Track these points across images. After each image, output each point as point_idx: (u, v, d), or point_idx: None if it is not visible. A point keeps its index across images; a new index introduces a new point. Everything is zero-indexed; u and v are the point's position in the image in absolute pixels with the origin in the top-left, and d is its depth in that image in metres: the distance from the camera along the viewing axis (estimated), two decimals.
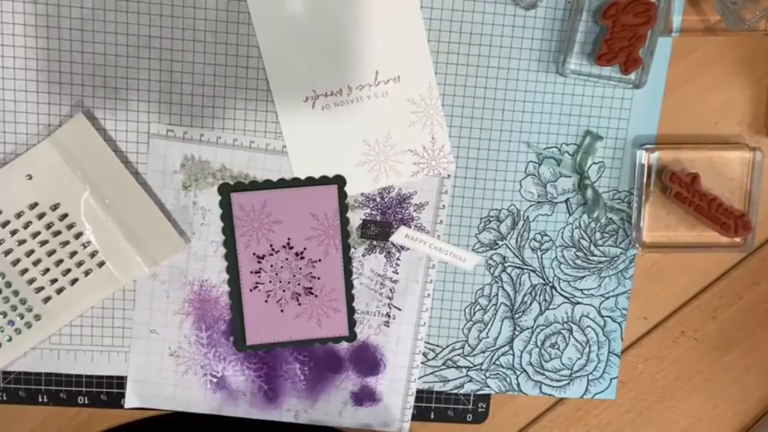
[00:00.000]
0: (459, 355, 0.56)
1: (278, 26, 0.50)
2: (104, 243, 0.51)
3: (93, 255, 0.51)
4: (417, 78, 0.52)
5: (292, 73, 0.51)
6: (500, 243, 0.55)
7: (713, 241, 0.55)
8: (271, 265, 0.53)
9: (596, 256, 0.56)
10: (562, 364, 0.57)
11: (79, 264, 0.51)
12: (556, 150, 0.54)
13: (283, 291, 0.54)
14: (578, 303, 0.56)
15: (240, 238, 0.53)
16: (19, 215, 0.50)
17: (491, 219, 0.55)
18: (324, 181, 0.53)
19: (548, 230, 0.55)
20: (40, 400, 0.54)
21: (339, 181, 0.53)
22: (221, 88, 0.51)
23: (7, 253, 0.51)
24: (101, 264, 0.51)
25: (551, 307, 0.56)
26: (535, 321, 0.56)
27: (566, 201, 0.55)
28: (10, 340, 0.52)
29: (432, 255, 0.54)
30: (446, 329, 0.56)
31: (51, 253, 0.51)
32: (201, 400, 0.55)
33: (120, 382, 0.54)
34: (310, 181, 0.53)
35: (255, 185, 0.52)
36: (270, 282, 0.53)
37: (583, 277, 0.56)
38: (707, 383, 0.60)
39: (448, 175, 0.54)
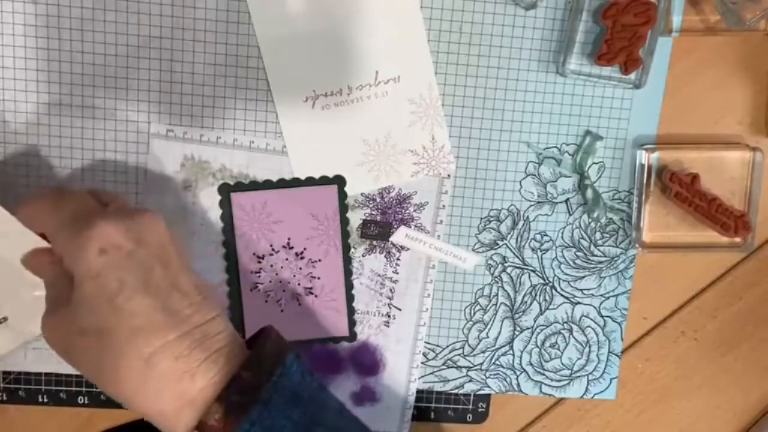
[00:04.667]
0: (459, 355, 0.56)
1: (278, 26, 0.50)
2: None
3: None
4: (417, 78, 0.52)
5: (292, 73, 0.51)
6: (500, 243, 0.55)
7: (713, 241, 0.56)
8: (271, 265, 0.53)
9: (596, 256, 0.56)
10: (562, 364, 0.57)
11: None
12: (556, 150, 0.54)
13: (283, 291, 0.54)
14: (578, 303, 0.56)
15: (240, 238, 0.53)
16: None
17: (491, 219, 0.55)
18: (324, 181, 0.53)
19: (548, 230, 0.55)
20: (40, 400, 0.54)
21: (339, 181, 0.53)
22: (221, 88, 0.51)
23: None
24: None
25: (551, 307, 0.56)
26: (535, 321, 0.56)
27: (566, 201, 0.55)
28: None
29: (432, 255, 0.54)
30: (446, 329, 0.56)
31: None
32: None
33: None
34: (310, 181, 0.53)
35: (255, 185, 0.52)
36: (270, 282, 0.53)
37: (583, 277, 0.56)
38: (707, 383, 0.60)
39: (448, 175, 0.54)
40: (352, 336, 0.55)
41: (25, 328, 0.48)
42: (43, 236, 0.45)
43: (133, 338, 0.39)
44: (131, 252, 0.41)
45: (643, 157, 0.54)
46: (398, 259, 0.54)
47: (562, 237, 0.55)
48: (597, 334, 0.57)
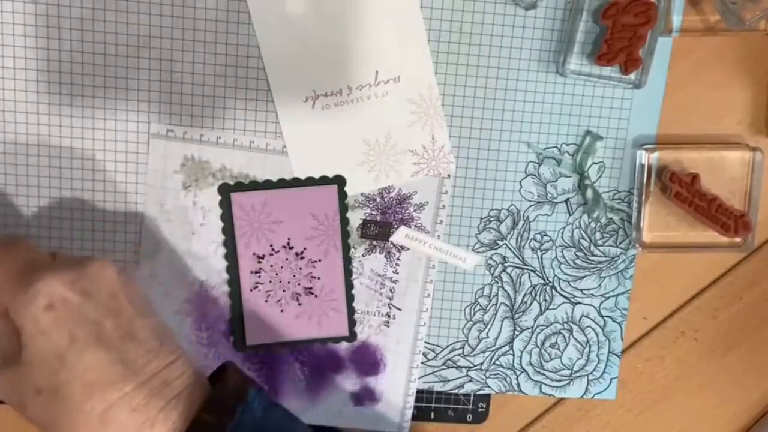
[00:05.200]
0: (459, 355, 0.56)
1: (278, 26, 0.50)
2: None
3: None
4: (417, 78, 0.52)
5: (292, 73, 0.51)
6: (500, 243, 0.55)
7: (713, 241, 0.56)
8: (271, 265, 0.53)
9: (596, 256, 0.56)
10: (562, 364, 0.57)
11: None
12: (556, 150, 0.54)
13: (283, 291, 0.54)
14: (578, 303, 0.56)
15: (240, 238, 0.53)
16: None
17: (491, 219, 0.55)
18: (324, 181, 0.53)
19: (548, 230, 0.55)
20: None
21: (339, 181, 0.53)
22: (221, 88, 0.51)
23: None
24: None
25: (551, 307, 0.56)
26: (535, 321, 0.56)
27: (566, 201, 0.55)
28: None
29: (432, 255, 0.54)
30: (446, 329, 0.56)
31: None
32: None
33: None
34: (310, 181, 0.53)
35: (255, 185, 0.52)
36: (270, 282, 0.53)
37: (583, 277, 0.56)
38: (707, 383, 0.60)
39: (448, 175, 0.54)
40: (352, 336, 0.55)
41: None
42: None
43: (88, 393, 0.38)
44: (79, 305, 0.40)
45: (643, 157, 0.54)
46: (398, 259, 0.54)
47: (562, 237, 0.55)
48: (597, 334, 0.57)
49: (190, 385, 0.41)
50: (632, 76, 0.52)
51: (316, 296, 0.54)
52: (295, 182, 0.52)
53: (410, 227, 0.54)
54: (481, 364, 0.57)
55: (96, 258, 0.43)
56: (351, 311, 0.54)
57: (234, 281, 0.53)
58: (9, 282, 0.41)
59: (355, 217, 0.54)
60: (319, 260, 0.53)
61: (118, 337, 0.40)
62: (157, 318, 0.44)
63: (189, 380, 0.41)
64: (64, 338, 0.39)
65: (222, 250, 0.53)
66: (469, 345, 0.56)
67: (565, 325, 0.57)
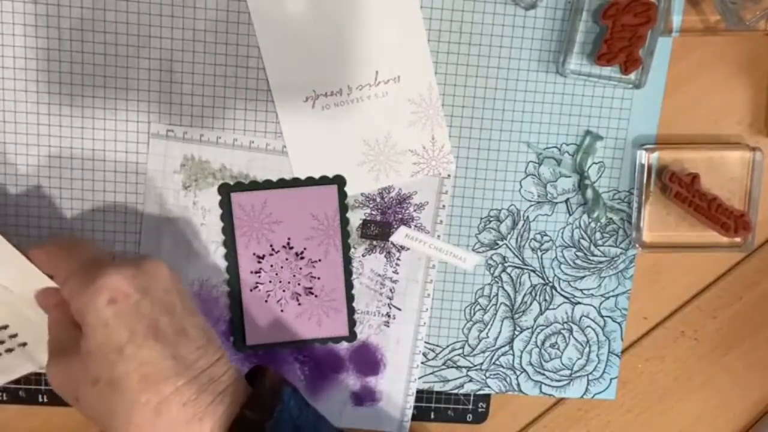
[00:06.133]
0: (459, 355, 0.56)
1: (278, 26, 0.50)
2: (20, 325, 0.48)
3: (13, 336, 0.49)
4: (417, 78, 0.52)
5: (292, 73, 0.51)
6: (500, 243, 0.55)
7: (713, 241, 0.56)
8: (271, 265, 0.53)
9: (596, 256, 0.56)
10: (562, 364, 0.57)
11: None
12: (556, 150, 0.54)
13: (283, 291, 0.54)
14: (578, 303, 0.56)
15: (240, 238, 0.53)
16: None
17: (491, 219, 0.55)
18: (324, 181, 0.53)
19: (548, 230, 0.55)
20: (40, 400, 0.54)
21: (339, 181, 0.53)
22: (221, 88, 0.51)
23: None
24: (23, 344, 0.49)
25: (551, 307, 0.56)
26: (535, 321, 0.56)
27: (566, 201, 0.55)
28: None
29: (432, 255, 0.54)
30: (446, 329, 0.56)
31: None
32: None
33: None
34: (310, 181, 0.53)
35: (255, 185, 0.52)
36: (270, 282, 0.53)
37: (583, 277, 0.56)
38: (707, 383, 0.60)
39: (448, 175, 0.54)
40: (352, 336, 0.55)
41: (41, 356, 0.48)
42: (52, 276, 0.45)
43: (143, 386, 0.40)
44: (139, 300, 0.41)
45: (643, 157, 0.54)
46: (398, 259, 0.54)
47: (562, 237, 0.55)
48: (597, 334, 0.57)
49: (233, 383, 0.43)
50: (632, 76, 0.52)
51: (316, 296, 0.54)
52: (295, 182, 0.52)
53: (410, 227, 0.54)
54: (481, 364, 0.57)
55: (151, 256, 0.45)
56: (351, 311, 0.54)
57: (234, 281, 0.53)
58: (72, 276, 0.43)
59: (355, 217, 0.54)
60: (319, 260, 0.53)
61: (172, 333, 0.42)
62: (202, 317, 0.45)
63: (232, 378, 0.43)
64: (125, 331, 0.40)
65: (222, 250, 0.53)
66: (469, 345, 0.56)
67: (565, 325, 0.57)
